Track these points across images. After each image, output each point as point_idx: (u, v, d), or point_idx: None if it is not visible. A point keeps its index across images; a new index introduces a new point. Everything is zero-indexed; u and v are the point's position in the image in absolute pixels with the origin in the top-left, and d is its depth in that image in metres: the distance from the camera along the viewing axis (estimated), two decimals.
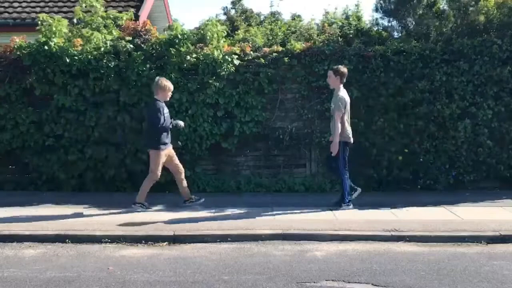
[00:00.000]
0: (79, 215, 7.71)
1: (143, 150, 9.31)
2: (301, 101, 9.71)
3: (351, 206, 8.12)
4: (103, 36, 9.38)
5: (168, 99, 8.03)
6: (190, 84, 9.30)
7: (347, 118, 8.02)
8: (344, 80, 8.14)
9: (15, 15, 12.57)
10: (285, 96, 9.75)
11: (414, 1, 10.82)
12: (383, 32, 10.90)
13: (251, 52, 9.59)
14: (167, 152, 7.98)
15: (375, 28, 11.32)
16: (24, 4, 12.96)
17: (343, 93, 8.06)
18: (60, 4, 12.98)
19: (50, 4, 12.97)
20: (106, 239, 6.65)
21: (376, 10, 11.71)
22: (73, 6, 11.74)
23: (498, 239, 6.75)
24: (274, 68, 9.51)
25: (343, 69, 8.12)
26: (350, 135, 8.05)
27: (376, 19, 11.74)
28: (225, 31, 9.93)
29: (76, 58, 9.15)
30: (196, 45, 9.50)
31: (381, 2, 11.54)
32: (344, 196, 8.11)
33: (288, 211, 7.96)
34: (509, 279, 5.35)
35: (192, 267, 5.68)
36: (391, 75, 9.54)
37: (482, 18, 9.95)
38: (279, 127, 9.70)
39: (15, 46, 9.33)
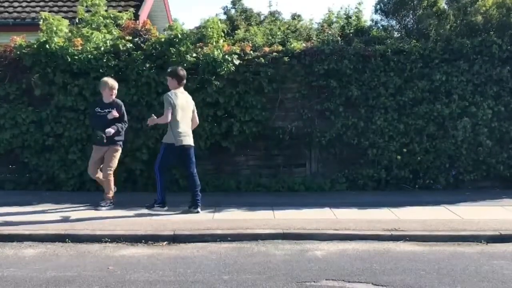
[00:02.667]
0: (79, 214, 7.71)
1: (142, 149, 9.33)
2: (301, 100, 9.71)
3: (165, 208, 7.76)
4: (103, 36, 9.39)
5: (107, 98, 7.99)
6: (190, 84, 9.29)
7: (178, 121, 7.58)
8: (183, 83, 7.80)
9: (15, 14, 12.57)
10: (285, 95, 9.75)
11: (415, 1, 10.84)
12: (383, 32, 10.92)
13: (251, 52, 9.58)
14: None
15: (375, 28, 11.34)
16: (24, 4, 12.97)
17: (173, 94, 7.65)
18: (60, 3, 12.98)
19: (50, 3, 12.97)
20: (106, 239, 6.65)
21: (376, 11, 11.73)
22: (73, 6, 11.76)
23: (498, 239, 6.75)
24: (274, 67, 9.51)
25: (181, 71, 7.78)
26: (179, 139, 7.57)
27: (376, 22, 11.77)
28: (225, 30, 9.94)
29: (76, 57, 9.16)
30: (196, 44, 9.50)
31: (381, 4, 11.56)
32: (158, 195, 7.79)
33: (288, 211, 7.96)
34: (509, 278, 5.35)
35: (192, 267, 5.68)
36: (391, 75, 9.55)
37: (479, 18, 9.96)
38: (279, 126, 9.70)
39: (15, 45, 9.34)
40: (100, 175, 8.10)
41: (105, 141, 7.83)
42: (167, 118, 7.61)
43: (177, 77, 7.76)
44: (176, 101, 7.62)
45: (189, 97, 7.98)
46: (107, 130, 7.82)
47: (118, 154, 8.07)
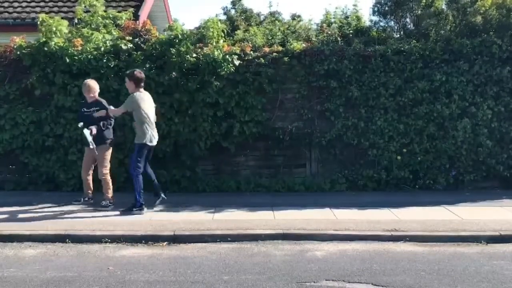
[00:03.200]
0: (79, 214, 7.71)
1: None
2: (301, 101, 9.71)
3: (144, 211, 7.74)
4: (102, 36, 9.38)
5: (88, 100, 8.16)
6: (190, 84, 9.30)
7: (149, 121, 7.73)
8: (142, 85, 7.81)
9: (15, 15, 12.56)
10: (285, 96, 9.75)
11: (412, 2, 10.84)
12: (382, 33, 10.92)
13: (251, 52, 9.58)
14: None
15: (375, 29, 11.34)
16: (24, 4, 12.95)
17: (138, 95, 7.74)
18: (60, 4, 12.97)
19: (50, 4, 12.95)
20: (106, 239, 6.65)
21: (373, 13, 11.74)
22: (73, 6, 11.74)
23: (498, 239, 6.76)
24: (274, 68, 9.51)
25: (138, 74, 7.81)
26: (150, 139, 7.75)
27: (375, 23, 11.78)
28: (225, 30, 9.95)
29: (76, 58, 9.15)
30: (196, 45, 9.50)
31: (378, 5, 11.57)
32: (136, 200, 7.75)
33: (288, 211, 7.96)
34: (509, 278, 5.35)
35: (192, 267, 5.68)
36: (391, 75, 9.55)
37: (479, 18, 9.96)
38: (279, 127, 9.70)
39: (15, 46, 9.34)
40: (90, 177, 8.29)
41: (90, 141, 7.88)
42: (117, 112, 7.95)
43: (135, 79, 7.78)
44: (143, 103, 7.74)
45: (150, 97, 8.05)
46: (85, 130, 7.85)
47: (109, 152, 8.16)
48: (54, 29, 9.31)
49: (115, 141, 9.18)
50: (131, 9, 11.30)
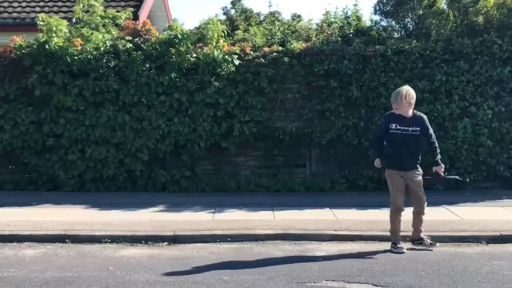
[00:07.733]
0: (79, 215, 7.71)
1: (142, 150, 9.33)
2: (301, 101, 9.70)
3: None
4: (102, 36, 9.38)
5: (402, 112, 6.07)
6: (190, 84, 9.31)
7: None
8: None
9: (14, 15, 12.56)
10: (285, 96, 9.75)
11: (414, 1, 10.84)
12: (382, 32, 10.92)
13: (251, 52, 9.59)
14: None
15: (375, 29, 11.33)
16: (23, 4, 12.94)
17: None
18: (59, 4, 12.96)
19: (50, 4, 12.95)
20: (106, 239, 6.64)
21: (375, 12, 11.73)
22: (73, 6, 11.75)
23: (498, 239, 6.74)
24: (274, 68, 9.51)
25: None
26: None
27: (376, 22, 11.77)
28: (225, 31, 9.95)
29: (76, 58, 9.15)
30: (196, 44, 9.50)
31: (380, 4, 11.56)
32: None
33: (288, 211, 7.95)
34: (509, 279, 5.34)
35: (192, 267, 5.67)
36: (391, 75, 9.54)
37: (481, 18, 9.96)
38: (279, 127, 9.70)
39: (15, 46, 9.33)
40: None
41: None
42: None
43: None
44: None
45: None
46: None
47: (421, 179, 6.27)
48: (54, 28, 9.32)
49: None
50: (131, 9, 11.31)
